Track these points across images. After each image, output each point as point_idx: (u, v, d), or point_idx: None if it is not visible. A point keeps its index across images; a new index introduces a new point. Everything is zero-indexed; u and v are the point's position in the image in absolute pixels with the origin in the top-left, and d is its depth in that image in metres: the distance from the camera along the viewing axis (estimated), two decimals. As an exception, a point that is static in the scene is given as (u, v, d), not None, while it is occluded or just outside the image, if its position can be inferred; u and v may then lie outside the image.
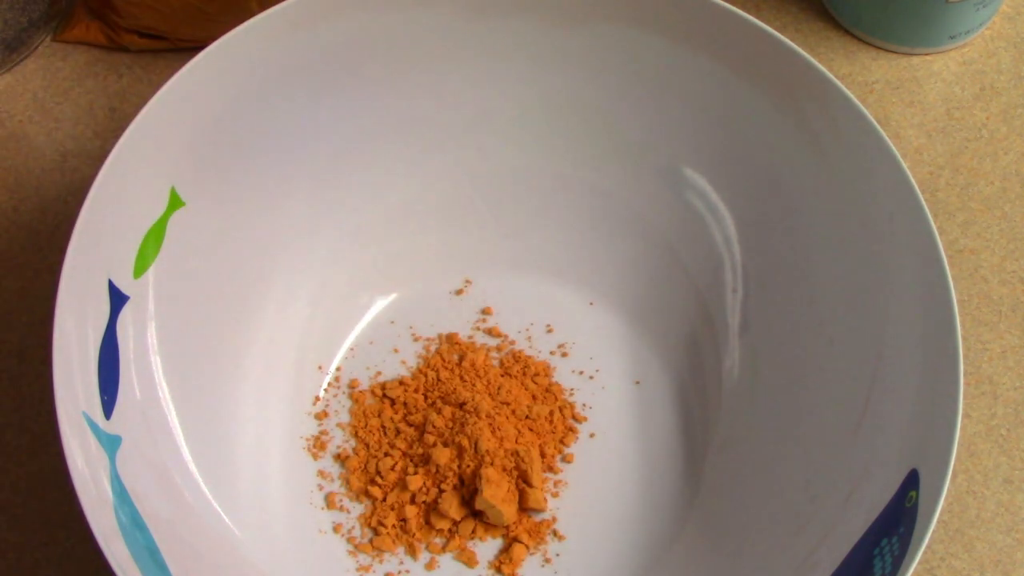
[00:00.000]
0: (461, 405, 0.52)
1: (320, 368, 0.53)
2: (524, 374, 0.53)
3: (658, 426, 0.53)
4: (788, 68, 0.48)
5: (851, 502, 0.45)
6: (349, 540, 0.50)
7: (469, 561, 0.50)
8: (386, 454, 0.51)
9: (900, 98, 0.60)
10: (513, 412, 0.52)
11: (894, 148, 0.46)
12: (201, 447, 0.48)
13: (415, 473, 0.50)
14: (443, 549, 0.50)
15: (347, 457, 0.51)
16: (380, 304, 0.55)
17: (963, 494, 0.52)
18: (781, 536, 0.47)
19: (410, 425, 0.52)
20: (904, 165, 0.46)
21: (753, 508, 0.49)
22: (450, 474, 0.50)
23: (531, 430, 0.52)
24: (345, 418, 0.53)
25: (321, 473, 0.51)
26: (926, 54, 0.61)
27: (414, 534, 0.50)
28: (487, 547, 0.50)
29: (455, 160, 0.54)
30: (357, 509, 0.51)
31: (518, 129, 0.54)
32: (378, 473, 0.51)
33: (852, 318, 0.48)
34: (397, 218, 0.55)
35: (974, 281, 0.56)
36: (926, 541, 0.40)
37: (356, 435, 0.52)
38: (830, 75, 0.47)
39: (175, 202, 0.48)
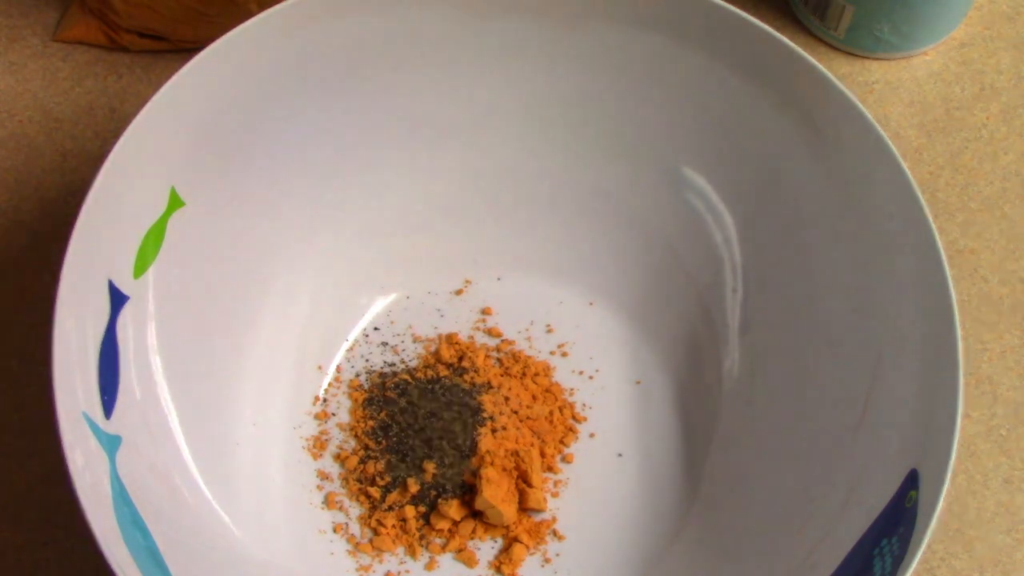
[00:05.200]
0: (461, 405, 0.52)
1: (320, 368, 0.53)
2: (524, 374, 0.53)
3: (658, 426, 0.53)
4: (788, 68, 0.48)
5: (851, 502, 0.45)
6: (349, 540, 0.50)
7: (469, 561, 0.50)
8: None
9: (900, 98, 0.60)
10: (513, 412, 0.52)
11: (894, 148, 0.46)
12: (201, 447, 0.48)
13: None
14: (443, 549, 0.50)
15: (347, 457, 0.51)
16: (380, 304, 0.55)
17: (963, 494, 0.52)
18: (781, 536, 0.47)
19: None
20: (904, 165, 0.46)
21: (753, 508, 0.49)
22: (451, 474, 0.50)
23: (531, 430, 0.52)
24: (345, 418, 0.53)
25: (321, 473, 0.51)
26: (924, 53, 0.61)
27: (414, 534, 0.50)
28: (487, 547, 0.50)
29: (455, 160, 0.54)
30: (357, 509, 0.51)
31: (518, 129, 0.54)
32: (378, 473, 0.51)
33: (852, 318, 0.48)
34: (397, 218, 0.55)
35: (974, 281, 0.56)
36: (926, 541, 0.40)
37: (356, 435, 0.52)
38: (830, 75, 0.47)
39: (175, 202, 0.48)
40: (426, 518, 0.50)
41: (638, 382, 0.54)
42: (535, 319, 0.55)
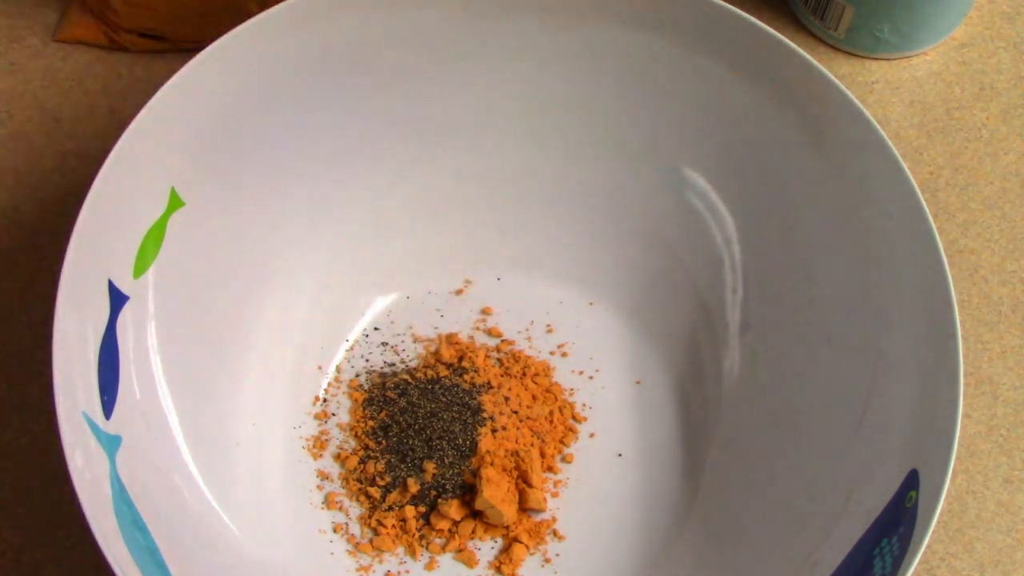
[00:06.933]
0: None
1: (320, 368, 0.53)
2: (524, 374, 0.53)
3: (658, 426, 0.53)
4: (788, 68, 0.48)
5: (851, 502, 0.45)
6: (349, 540, 0.50)
7: (469, 561, 0.50)
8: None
9: (900, 98, 0.60)
10: (513, 412, 0.52)
11: (894, 148, 0.46)
12: (201, 447, 0.48)
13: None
14: (443, 549, 0.50)
15: (347, 457, 0.51)
16: (380, 304, 0.55)
17: (963, 494, 0.52)
18: (781, 536, 0.47)
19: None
20: (904, 165, 0.46)
21: (753, 508, 0.49)
22: (451, 474, 0.50)
23: (531, 430, 0.52)
24: (345, 418, 0.53)
25: (321, 473, 0.51)
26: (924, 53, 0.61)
27: (414, 534, 0.50)
28: (487, 547, 0.50)
29: (455, 160, 0.54)
30: (357, 509, 0.51)
31: (518, 129, 0.54)
32: (378, 473, 0.51)
33: (852, 318, 0.48)
34: (397, 218, 0.55)
35: (974, 281, 0.56)
36: (926, 541, 0.40)
37: (356, 435, 0.52)
38: (830, 75, 0.47)
39: (175, 202, 0.48)
40: (426, 518, 0.50)
41: (638, 382, 0.54)
42: (535, 319, 0.55)
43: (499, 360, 0.54)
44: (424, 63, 0.52)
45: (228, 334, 0.51)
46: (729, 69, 0.50)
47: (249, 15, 0.48)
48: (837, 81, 0.47)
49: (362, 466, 0.51)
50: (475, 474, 0.50)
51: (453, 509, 0.50)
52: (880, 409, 0.46)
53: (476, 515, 0.50)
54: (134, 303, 0.46)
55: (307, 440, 0.52)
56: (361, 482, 0.51)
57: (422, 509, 0.50)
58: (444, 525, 0.50)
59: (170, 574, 0.42)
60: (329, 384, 0.53)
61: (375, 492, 0.50)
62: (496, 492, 0.49)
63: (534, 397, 0.53)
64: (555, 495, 0.51)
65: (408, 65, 0.52)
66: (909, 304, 0.46)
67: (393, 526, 0.50)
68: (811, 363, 0.50)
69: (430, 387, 0.52)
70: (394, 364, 0.54)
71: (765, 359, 0.51)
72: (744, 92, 0.50)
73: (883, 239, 0.47)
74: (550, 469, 0.52)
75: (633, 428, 0.53)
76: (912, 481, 0.42)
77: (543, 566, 0.50)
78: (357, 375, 0.53)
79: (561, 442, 0.52)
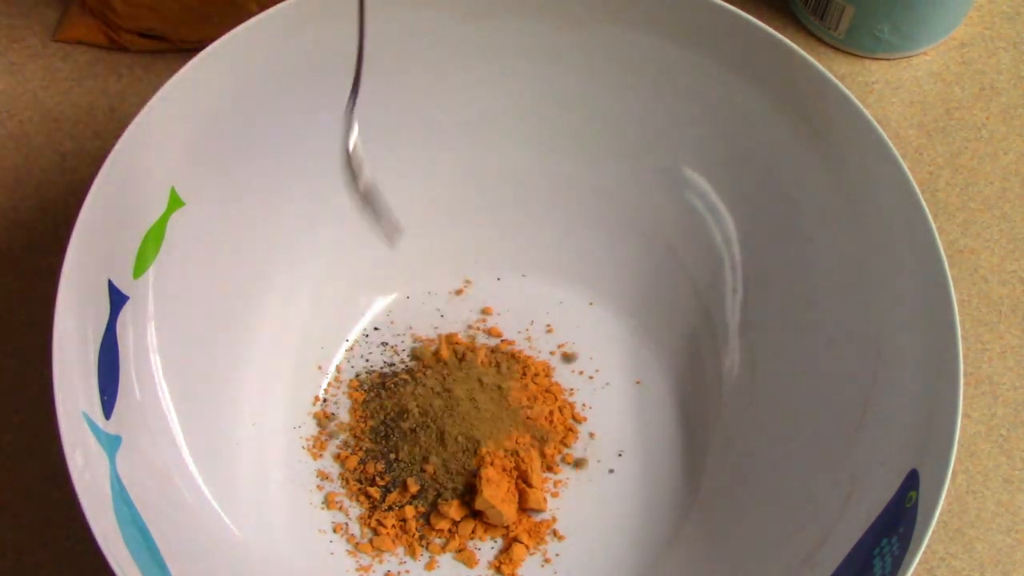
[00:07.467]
0: (461, 405, 0.52)
1: (320, 368, 0.53)
2: (524, 374, 0.53)
3: (658, 426, 0.53)
4: (788, 68, 0.48)
5: (851, 502, 0.45)
6: (349, 540, 0.50)
7: (469, 561, 0.50)
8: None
9: (900, 98, 0.60)
10: (514, 412, 0.52)
11: (894, 148, 0.46)
12: (201, 447, 0.48)
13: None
14: (443, 549, 0.50)
15: (347, 457, 0.51)
16: (380, 304, 0.55)
17: (963, 494, 0.52)
18: (781, 536, 0.47)
19: (410, 425, 0.52)
20: (904, 165, 0.46)
21: (753, 508, 0.49)
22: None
23: (531, 430, 0.52)
24: (345, 418, 0.53)
25: (321, 473, 0.51)
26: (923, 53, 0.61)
27: (414, 534, 0.50)
28: (487, 547, 0.50)
29: (455, 160, 0.54)
30: (357, 509, 0.51)
31: (518, 129, 0.54)
32: (378, 473, 0.51)
33: (852, 318, 0.48)
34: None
35: (974, 281, 0.56)
36: (926, 541, 0.40)
37: (356, 435, 0.52)
38: (830, 75, 0.47)
39: (175, 202, 0.48)
40: (426, 518, 0.50)
41: (638, 382, 0.54)
42: (535, 319, 0.55)
43: (499, 360, 0.54)
44: (424, 63, 0.52)
45: (228, 334, 0.51)
46: (729, 69, 0.50)
47: (249, 15, 0.48)
48: (837, 81, 0.47)
49: (362, 466, 0.51)
50: (475, 474, 0.50)
51: (453, 509, 0.50)
52: (880, 409, 0.46)
53: (476, 515, 0.50)
54: (134, 303, 0.46)
55: (307, 440, 0.52)
56: (361, 482, 0.51)
57: (422, 509, 0.50)
58: (444, 525, 0.50)
59: (170, 574, 0.42)
60: (329, 384, 0.53)
61: (375, 492, 0.50)
62: (496, 492, 0.49)
63: (534, 397, 0.53)
64: (555, 495, 0.51)
65: (408, 65, 0.52)
66: (909, 304, 0.46)
67: (393, 526, 0.50)
68: (811, 363, 0.50)
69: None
70: (394, 364, 0.54)
71: (765, 359, 0.51)
72: (744, 92, 0.50)
73: (883, 239, 0.47)
74: (550, 469, 0.52)
75: (633, 428, 0.53)
76: (912, 481, 0.42)
77: (543, 566, 0.50)
78: (357, 375, 0.53)
79: (561, 442, 0.52)
